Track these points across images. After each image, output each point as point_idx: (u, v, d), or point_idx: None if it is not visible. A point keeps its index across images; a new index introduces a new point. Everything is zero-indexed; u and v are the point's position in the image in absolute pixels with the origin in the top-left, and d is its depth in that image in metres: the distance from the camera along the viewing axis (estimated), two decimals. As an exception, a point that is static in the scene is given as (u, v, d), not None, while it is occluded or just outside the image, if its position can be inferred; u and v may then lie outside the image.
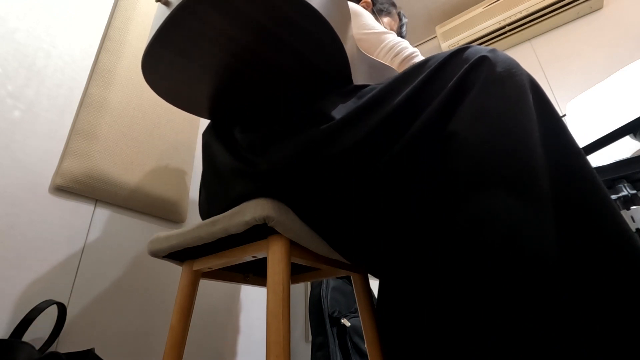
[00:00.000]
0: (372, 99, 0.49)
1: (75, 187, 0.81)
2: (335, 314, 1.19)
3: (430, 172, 0.46)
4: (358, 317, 1.20)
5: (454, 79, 0.45)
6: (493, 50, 0.46)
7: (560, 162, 0.40)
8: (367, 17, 0.80)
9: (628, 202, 0.98)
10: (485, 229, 0.38)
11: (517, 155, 0.39)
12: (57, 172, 0.80)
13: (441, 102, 0.44)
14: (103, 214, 0.87)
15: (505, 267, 0.36)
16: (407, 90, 0.47)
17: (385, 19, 1.00)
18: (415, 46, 2.61)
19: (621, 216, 0.37)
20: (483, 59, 0.45)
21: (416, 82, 0.47)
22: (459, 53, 0.48)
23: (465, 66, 0.45)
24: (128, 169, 0.92)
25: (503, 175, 0.38)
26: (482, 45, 2.11)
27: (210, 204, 0.65)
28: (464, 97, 0.44)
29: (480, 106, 0.42)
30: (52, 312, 0.69)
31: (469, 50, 0.48)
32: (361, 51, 0.66)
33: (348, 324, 1.17)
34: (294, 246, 0.54)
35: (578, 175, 0.39)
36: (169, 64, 0.53)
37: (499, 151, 0.39)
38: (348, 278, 1.29)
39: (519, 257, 0.35)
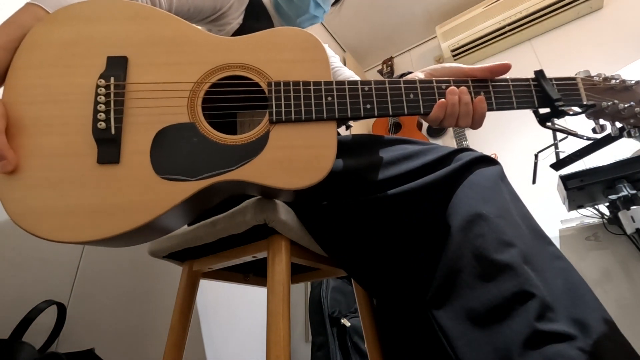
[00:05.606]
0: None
1: (75, 187, 0.81)
2: (335, 314, 1.19)
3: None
4: (358, 317, 1.19)
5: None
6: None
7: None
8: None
9: (628, 202, 0.98)
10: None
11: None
12: (57, 172, 0.80)
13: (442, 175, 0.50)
14: (103, 214, 0.87)
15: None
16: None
17: None
18: (416, 46, 2.62)
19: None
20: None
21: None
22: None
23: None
24: (128, 169, 0.92)
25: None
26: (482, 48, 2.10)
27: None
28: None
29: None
30: (52, 312, 0.69)
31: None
32: None
33: (348, 324, 1.17)
34: (294, 246, 0.54)
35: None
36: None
37: None
38: (348, 278, 1.29)
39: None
